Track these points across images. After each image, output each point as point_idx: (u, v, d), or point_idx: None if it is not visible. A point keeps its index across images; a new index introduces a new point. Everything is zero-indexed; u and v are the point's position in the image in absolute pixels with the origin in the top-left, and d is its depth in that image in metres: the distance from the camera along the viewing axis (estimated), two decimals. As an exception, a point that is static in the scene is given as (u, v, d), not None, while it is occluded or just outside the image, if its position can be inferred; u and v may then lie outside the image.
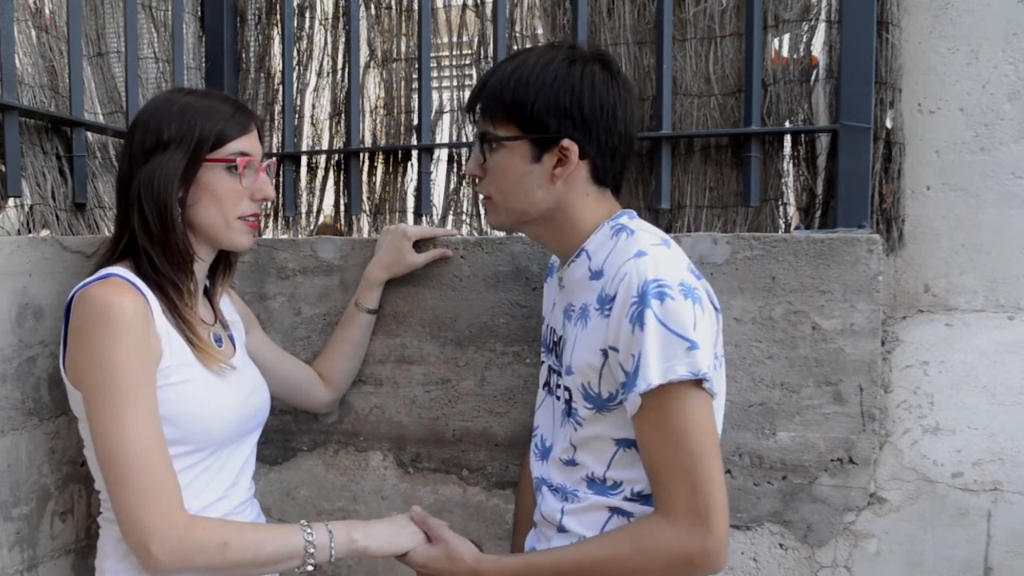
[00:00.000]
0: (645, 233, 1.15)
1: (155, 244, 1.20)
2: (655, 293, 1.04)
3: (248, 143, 1.26)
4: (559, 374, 1.24)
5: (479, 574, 1.17)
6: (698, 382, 1.05)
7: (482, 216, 1.83)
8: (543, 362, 1.33)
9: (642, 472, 1.13)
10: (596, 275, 1.15)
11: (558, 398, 1.25)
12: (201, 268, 1.30)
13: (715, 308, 1.13)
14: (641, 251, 1.10)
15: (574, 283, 1.20)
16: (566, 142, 1.13)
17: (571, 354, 1.17)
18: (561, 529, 1.19)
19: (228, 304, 1.43)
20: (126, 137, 1.27)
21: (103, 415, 1.11)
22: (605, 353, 1.11)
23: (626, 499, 1.15)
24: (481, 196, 1.23)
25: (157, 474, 1.11)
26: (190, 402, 1.19)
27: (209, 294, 1.37)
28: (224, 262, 1.38)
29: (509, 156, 1.16)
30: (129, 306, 1.13)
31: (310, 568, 1.18)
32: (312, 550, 1.17)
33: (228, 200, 1.24)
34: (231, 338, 1.38)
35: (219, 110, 1.24)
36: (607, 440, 1.15)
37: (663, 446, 1.06)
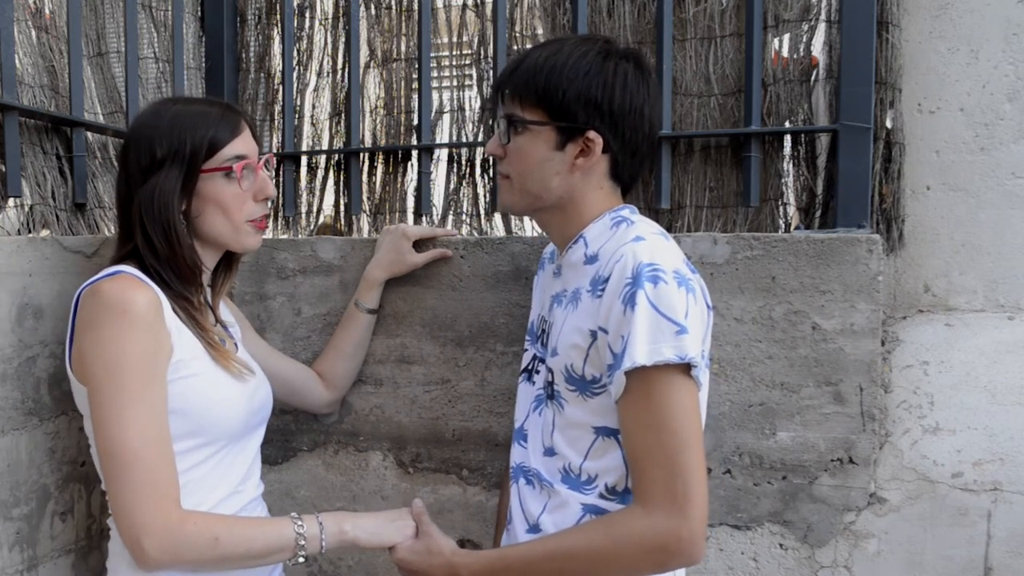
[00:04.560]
0: (645, 224, 1.17)
1: (162, 262, 1.21)
2: (649, 276, 1.05)
3: (242, 145, 1.25)
4: (542, 360, 1.24)
5: (454, 566, 1.18)
6: (685, 368, 1.05)
7: (482, 216, 1.84)
8: (526, 350, 1.33)
9: (618, 462, 1.13)
10: (591, 260, 1.16)
11: (533, 383, 1.26)
12: (206, 274, 1.30)
13: (707, 305, 1.13)
14: (639, 236, 1.11)
15: (569, 268, 1.21)
16: (592, 134, 1.14)
17: (557, 336, 1.18)
18: (536, 528, 1.19)
19: (222, 306, 1.44)
20: (120, 155, 1.27)
21: (106, 408, 1.11)
22: (594, 334, 1.11)
23: (601, 496, 1.15)
24: (500, 175, 1.24)
25: (154, 470, 1.11)
26: (201, 395, 1.19)
27: (208, 296, 1.38)
28: (224, 264, 1.38)
29: (533, 140, 1.17)
30: (141, 300, 1.13)
31: (301, 560, 1.19)
32: (303, 542, 1.18)
33: (232, 206, 1.24)
34: (232, 336, 1.38)
35: (207, 115, 1.23)
36: (586, 428, 1.15)
37: (646, 431, 1.06)
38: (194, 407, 1.18)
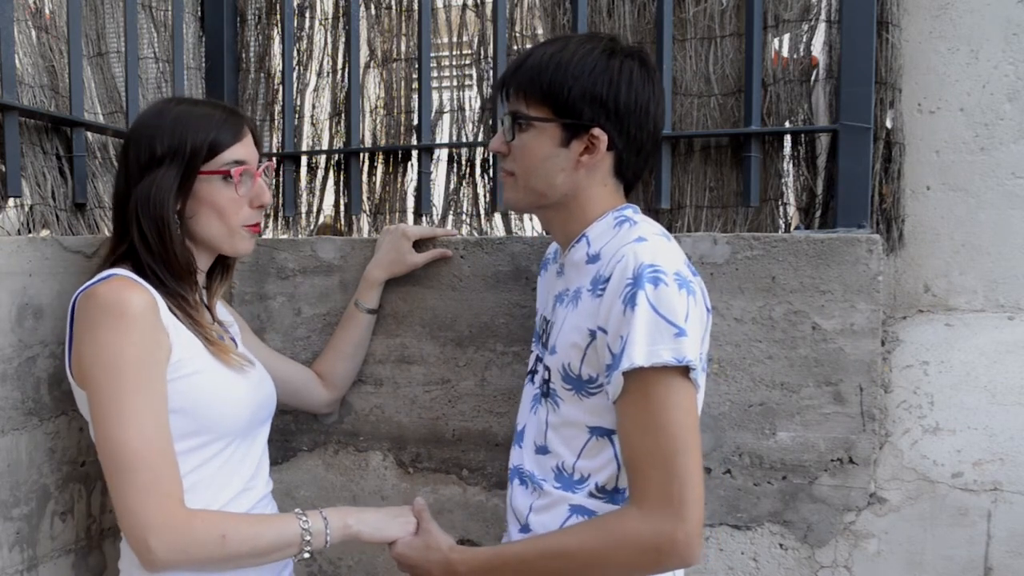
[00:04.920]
0: (647, 224, 1.17)
1: (156, 259, 1.21)
2: (650, 277, 1.05)
3: (243, 150, 1.25)
4: (540, 358, 1.25)
5: (451, 563, 1.19)
6: (683, 371, 1.05)
7: (482, 216, 1.84)
8: (532, 351, 1.34)
9: (610, 461, 1.13)
10: (593, 259, 1.16)
11: (533, 382, 1.26)
12: (201, 275, 1.30)
13: (707, 308, 1.14)
14: (642, 237, 1.11)
15: (572, 267, 1.21)
16: (597, 131, 1.14)
17: (557, 334, 1.18)
18: (525, 528, 1.20)
19: (220, 308, 1.44)
20: (121, 152, 1.27)
21: (106, 409, 1.11)
22: (593, 334, 1.11)
23: (590, 494, 1.15)
24: (503, 172, 1.23)
25: (156, 469, 1.11)
26: (204, 392, 1.19)
27: (204, 296, 1.38)
28: (221, 265, 1.38)
29: (538, 137, 1.17)
30: (137, 301, 1.13)
31: (306, 555, 1.19)
32: (308, 537, 1.18)
33: (228, 210, 1.25)
34: (230, 334, 1.38)
35: (210, 118, 1.23)
36: (581, 427, 1.15)
37: (643, 432, 1.06)
38: (197, 404, 1.18)
